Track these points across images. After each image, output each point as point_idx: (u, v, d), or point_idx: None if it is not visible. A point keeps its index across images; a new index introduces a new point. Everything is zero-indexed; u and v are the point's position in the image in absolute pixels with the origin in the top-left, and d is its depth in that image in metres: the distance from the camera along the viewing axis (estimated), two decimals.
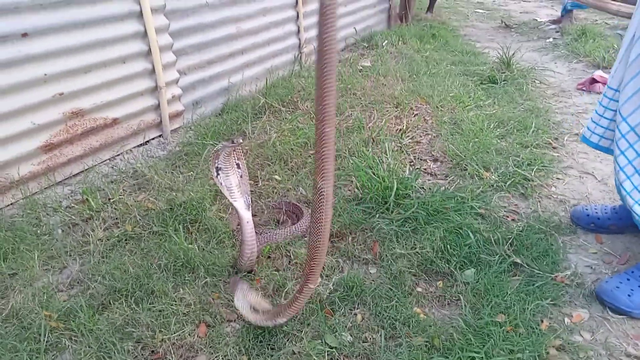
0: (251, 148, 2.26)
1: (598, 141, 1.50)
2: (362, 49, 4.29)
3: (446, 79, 3.19)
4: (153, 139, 2.44)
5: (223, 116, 2.75)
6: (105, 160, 2.21)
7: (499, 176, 1.91)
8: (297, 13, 3.47)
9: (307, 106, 2.76)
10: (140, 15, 2.21)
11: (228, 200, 1.42)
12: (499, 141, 2.23)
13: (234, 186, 1.41)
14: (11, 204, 1.86)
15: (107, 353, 1.15)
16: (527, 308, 1.25)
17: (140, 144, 2.37)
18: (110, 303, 1.31)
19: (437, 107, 2.69)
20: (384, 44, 4.18)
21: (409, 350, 1.13)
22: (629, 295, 1.28)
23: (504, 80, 3.09)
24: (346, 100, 2.77)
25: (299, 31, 3.54)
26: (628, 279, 1.32)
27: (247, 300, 1.23)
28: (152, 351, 1.18)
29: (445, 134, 2.30)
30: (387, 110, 2.61)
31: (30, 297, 1.33)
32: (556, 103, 2.83)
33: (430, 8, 5.80)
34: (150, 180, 1.98)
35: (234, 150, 1.41)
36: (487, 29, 5.59)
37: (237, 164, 1.44)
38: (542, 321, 1.23)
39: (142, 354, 1.17)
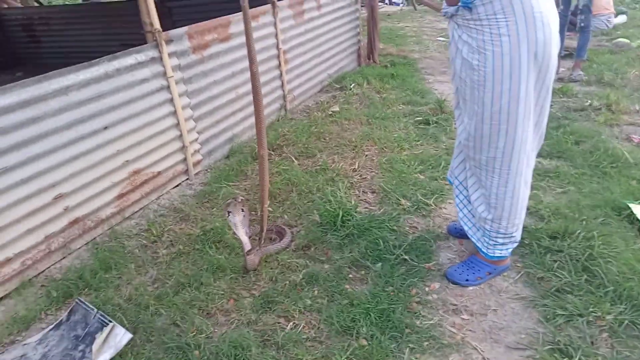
0: (252, 187, 3.34)
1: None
2: (334, 90, 5.37)
3: (394, 121, 4.27)
4: (183, 181, 3.52)
5: (230, 159, 3.83)
6: (153, 200, 3.28)
7: (411, 203, 2.99)
8: (280, 72, 4.55)
9: (290, 150, 3.83)
10: (171, 100, 3.29)
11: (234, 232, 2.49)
12: (418, 176, 3.32)
13: (239, 223, 2.47)
14: (100, 234, 2.93)
15: (185, 314, 2.22)
16: (405, 283, 2.32)
17: (175, 187, 3.45)
18: (180, 290, 2.38)
19: (382, 148, 3.77)
20: (351, 86, 5.26)
21: (339, 306, 2.21)
22: (460, 274, 2.35)
23: (435, 123, 4.17)
24: (317, 145, 3.86)
25: (282, 85, 4.62)
26: (463, 265, 2.40)
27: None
28: (208, 313, 2.25)
29: (382, 172, 3.38)
30: (347, 154, 3.69)
31: (134, 289, 2.41)
32: None
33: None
34: (187, 213, 3.06)
35: (238, 202, 2.47)
36: (442, 60, 6.64)
37: (242, 209, 2.51)
38: (411, 289, 2.31)
39: (201, 314, 2.25)
